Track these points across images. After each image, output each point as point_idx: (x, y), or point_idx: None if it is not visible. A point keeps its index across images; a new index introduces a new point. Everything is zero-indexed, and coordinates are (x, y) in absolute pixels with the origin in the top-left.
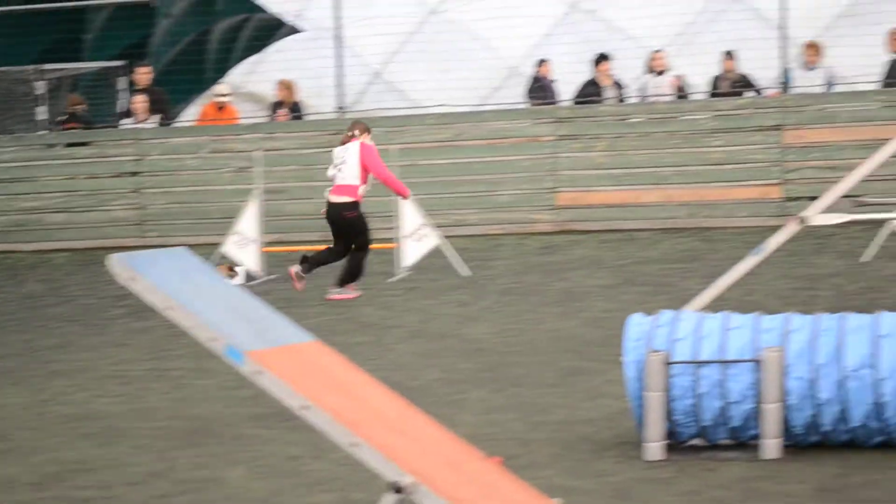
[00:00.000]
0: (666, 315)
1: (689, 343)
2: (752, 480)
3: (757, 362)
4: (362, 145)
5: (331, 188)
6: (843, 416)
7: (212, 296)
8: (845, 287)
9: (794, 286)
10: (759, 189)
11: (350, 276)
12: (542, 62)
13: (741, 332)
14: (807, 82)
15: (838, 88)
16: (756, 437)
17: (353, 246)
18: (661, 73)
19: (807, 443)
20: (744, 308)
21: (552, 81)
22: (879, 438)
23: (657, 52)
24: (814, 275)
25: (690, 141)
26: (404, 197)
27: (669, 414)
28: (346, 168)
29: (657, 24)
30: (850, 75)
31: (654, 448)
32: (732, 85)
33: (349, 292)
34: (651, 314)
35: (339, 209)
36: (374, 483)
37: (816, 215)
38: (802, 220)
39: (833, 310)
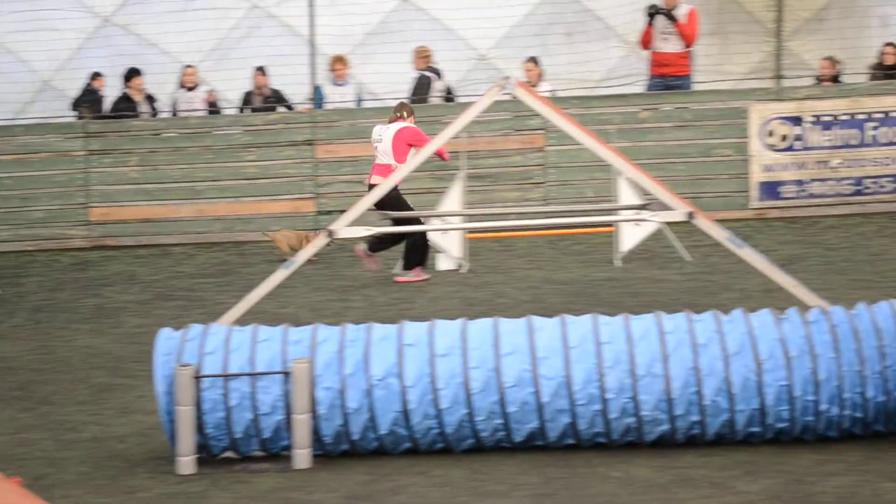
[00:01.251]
0: (195, 329)
1: (218, 356)
2: (284, 491)
3: (286, 374)
4: (401, 128)
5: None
6: (371, 424)
7: None
8: (376, 298)
9: (327, 298)
10: (292, 203)
11: (410, 257)
12: (96, 75)
13: (270, 344)
14: (337, 98)
15: (368, 104)
16: (288, 447)
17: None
18: (192, 88)
19: (338, 451)
20: (279, 321)
21: (103, 97)
22: (407, 445)
23: (189, 67)
24: (346, 286)
25: (224, 156)
26: (444, 159)
27: (201, 427)
28: (381, 146)
29: (191, 39)
30: (379, 92)
31: (186, 462)
32: (265, 100)
33: (414, 275)
34: (182, 329)
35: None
36: None
37: (344, 228)
38: (331, 234)
39: (364, 321)
